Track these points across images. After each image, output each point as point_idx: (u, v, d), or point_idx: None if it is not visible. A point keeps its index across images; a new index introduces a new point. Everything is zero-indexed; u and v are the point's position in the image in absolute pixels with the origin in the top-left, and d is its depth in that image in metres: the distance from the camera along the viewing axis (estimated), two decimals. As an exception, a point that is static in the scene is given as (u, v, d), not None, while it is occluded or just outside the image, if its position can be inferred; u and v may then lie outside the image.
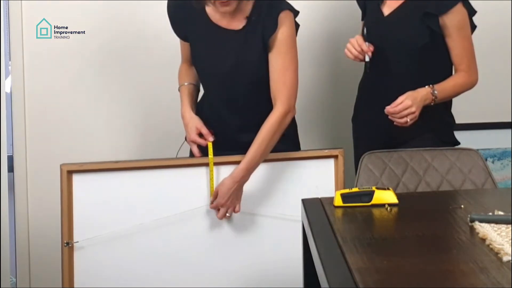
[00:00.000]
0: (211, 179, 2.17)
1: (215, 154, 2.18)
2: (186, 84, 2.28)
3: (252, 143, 2.14)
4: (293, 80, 2.16)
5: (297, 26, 2.21)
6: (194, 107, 2.26)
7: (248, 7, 2.16)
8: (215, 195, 2.16)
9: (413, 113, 2.12)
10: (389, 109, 2.13)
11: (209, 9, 2.18)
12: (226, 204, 2.16)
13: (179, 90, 2.30)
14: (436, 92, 2.16)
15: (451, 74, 2.28)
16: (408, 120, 2.12)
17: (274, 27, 2.13)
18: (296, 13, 2.19)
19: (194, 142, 2.20)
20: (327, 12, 2.84)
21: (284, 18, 2.14)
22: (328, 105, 2.90)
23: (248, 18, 2.15)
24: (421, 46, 2.20)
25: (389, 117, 2.14)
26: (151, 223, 2.15)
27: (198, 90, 2.34)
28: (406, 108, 2.11)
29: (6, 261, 2.69)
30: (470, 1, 2.24)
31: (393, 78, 2.26)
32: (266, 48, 2.15)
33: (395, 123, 2.14)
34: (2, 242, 2.63)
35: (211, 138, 2.19)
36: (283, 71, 2.14)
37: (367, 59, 2.21)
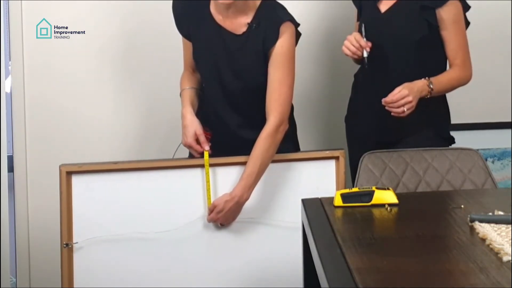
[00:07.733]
0: (207, 190, 2.16)
1: (214, 151, 2.17)
2: (187, 88, 2.27)
3: (248, 160, 2.14)
4: (287, 95, 2.16)
5: (298, 35, 2.21)
6: (195, 110, 2.25)
7: (250, 13, 2.15)
8: (211, 209, 2.15)
9: (410, 102, 2.11)
10: (386, 99, 2.13)
11: (213, 9, 2.19)
12: (220, 220, 2.16)
13: (180, 95, 2.29)
14: (432, 84, 2.18)
15: (445, 70, 2.29)
16: (405, 109, 2.12)
17: (274, 38, 2.13)
18: (297, 25, 2.18)
19: (189, 146, 2.19)
20: (324, 11, 2.84)
21: (285, 30, 2.13)
22: (329, 106, 2.90)
23: (249, 25, 2.15)
24: (419, 39, 2.22)
25: (386, 107, 2.14)
26: (151, 224, 2.15)
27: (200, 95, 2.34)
28: (403, 97, 2.11)
29: (6, 261, 2.69)
30: (472, 1, 2.27)
31: (391, 74, 2.26)
32: (265, 57, 2.15)
33: (392, 113, 2.14)
34: (2, 242, 2.63)
35: (207, 147, 2.17)
36: (279, 85, 2.15)
37: (365, 54, 2.21)
